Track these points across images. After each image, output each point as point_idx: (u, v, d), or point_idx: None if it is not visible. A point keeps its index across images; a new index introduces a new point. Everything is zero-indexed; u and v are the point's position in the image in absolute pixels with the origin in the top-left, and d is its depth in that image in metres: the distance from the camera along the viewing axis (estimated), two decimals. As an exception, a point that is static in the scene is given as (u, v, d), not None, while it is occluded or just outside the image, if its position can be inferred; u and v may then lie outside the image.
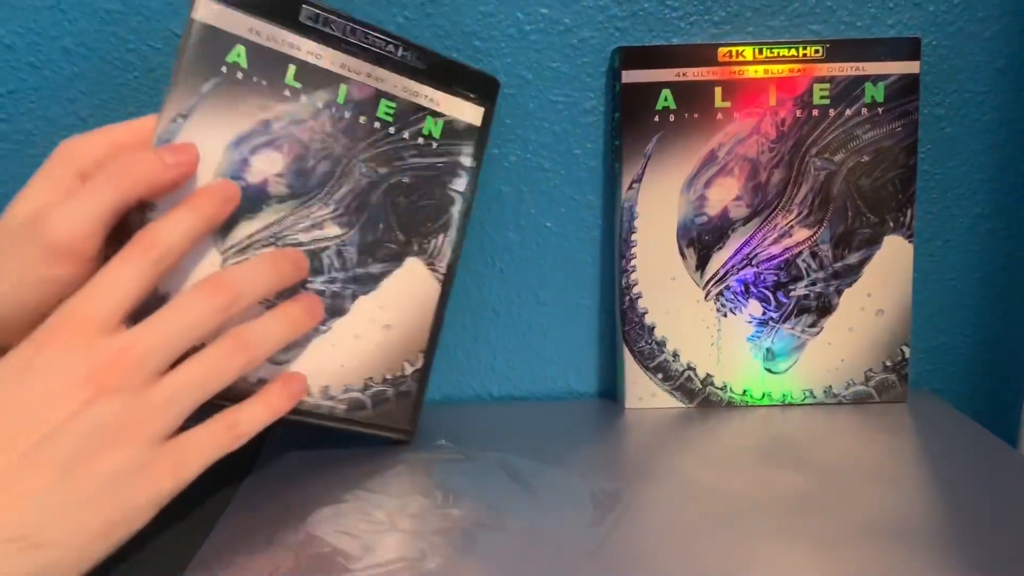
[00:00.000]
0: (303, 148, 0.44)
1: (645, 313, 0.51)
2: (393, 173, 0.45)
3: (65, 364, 0.35)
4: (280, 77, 0.43)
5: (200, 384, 0.38)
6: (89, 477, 0.34)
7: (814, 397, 0.52)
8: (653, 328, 0.52)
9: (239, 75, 0.42)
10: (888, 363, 0.52)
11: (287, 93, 0.43)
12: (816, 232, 0.51)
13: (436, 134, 0.46)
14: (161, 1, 0.49)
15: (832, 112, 0.50)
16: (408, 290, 0.46)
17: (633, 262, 0.51)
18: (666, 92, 0.50)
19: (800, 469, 0.44)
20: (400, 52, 0.45)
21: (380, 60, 0.45)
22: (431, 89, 0.46)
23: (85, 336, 0.36)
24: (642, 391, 0.52)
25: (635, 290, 0.51)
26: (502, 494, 0.42)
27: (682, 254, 0.51)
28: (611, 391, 0.55)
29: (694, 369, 0.52)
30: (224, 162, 0.42)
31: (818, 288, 0.51)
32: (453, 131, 0.46)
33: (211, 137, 0.42)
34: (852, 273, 0.51)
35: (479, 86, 0.47)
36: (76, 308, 0.37)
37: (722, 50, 0.49)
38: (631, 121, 0.50)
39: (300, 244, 0.44)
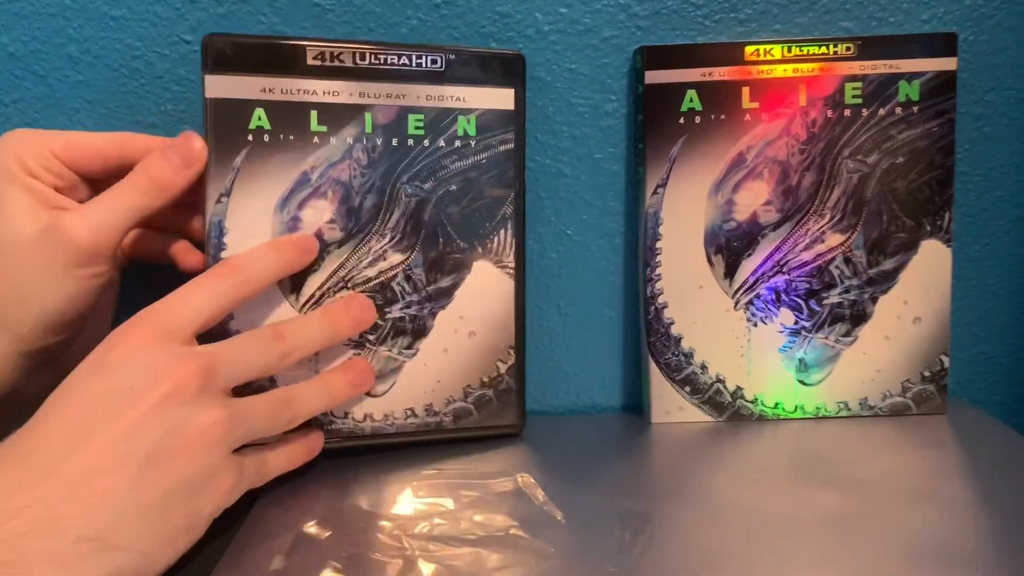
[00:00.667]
0: (346, 188, 0.44)
1: (671, 323, 0.49)
2: (439, 185, 0.45)
3: (141, 360, 0.35)
4: (305, 126, 0.44)
5: (265, 418, 0.39)
6: (164, 479, 0.34)
7: (849, 410, 0.50)
8: (680, 339, 0.50)
9: (266, 138, 0.43)
10: (926, 373, 0.50)
11: (316, 140, 0.44)
12: (850, 237, 0.49)
13: (472, 131, 0.45)
14: (168, 6, 0.47)
15: (865, 112, 0.48)
16: (483, 293, 0.47)
17: (658, 270, 0.49)
18: (691, 93, 0.48)
19: (838, 487, 0.42)
20: (414, 61, 0.44)
21: (396, 76, 0.44)
22: (455, 88, 0.45)
23: (160, 340, 0.36)
24: (669, 405, 0.50)
25: (660, 300, 0.49)
26: (523, 515, 0.40)
27: (710, 261, 0.49)
28: (636, 405, 0.53)
29: (723, 381, 0.50)
30: (275, 225, 0.44)
31: (852, 296, 0.49)
32: (488, 123, 0.46)
33: (256, 206, 0.43)
34: (888, 280, 0.49)
35: (503, 68, 0.46)
36: (153, 313, 0.37)
37: (749, 49, 0.47)
38: (655, 123, 0.48)
39: (368, 280, 0.45)
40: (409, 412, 0.47)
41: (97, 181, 0.43)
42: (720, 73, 0.48)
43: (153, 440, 0.34)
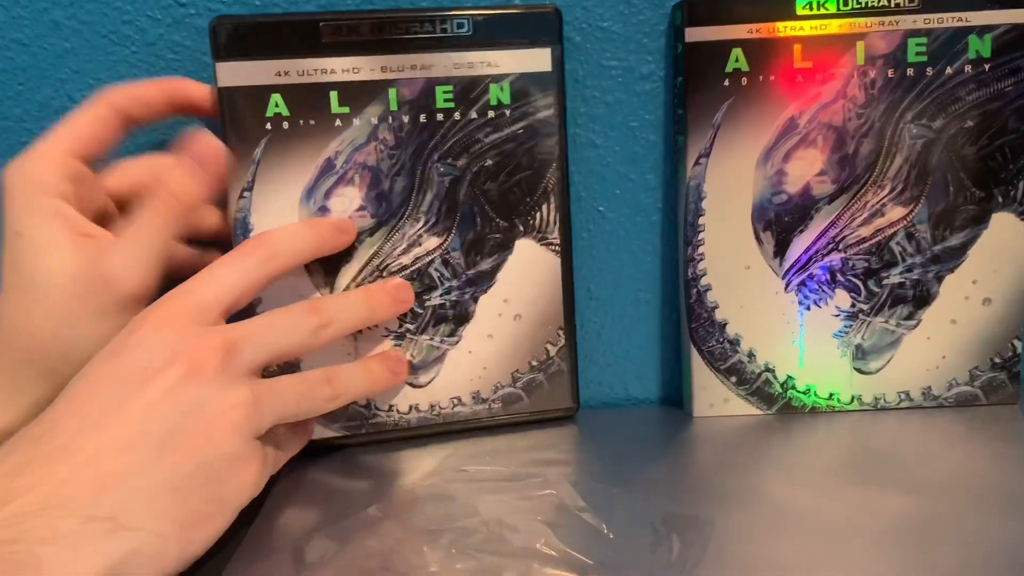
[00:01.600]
0: (373, 172, 0.42)
1: (715, 308, 0.45)
2: (473, 161, 0.43)
3: (159, 340, 0.35)
4: (326, 109, 0.41)
5: (295, 400, 0.37)
6: (183, 460, 0.33)
7: (911, 400, 0.46)
8: (725, 325, 0.45)
9: (285, 125, 0.41)
10: (997, 360, 0.45)
11: (338, 123, 0.42)
12: (912, 210, 0.44)
13: (506, 100, 0.42)
14: (159, -35, 0.44)
15: (930, 71, 0.43)
16: (527, 273, 0.44)
17: (701, 249, 0.45)
18: (737, 52, 0.43)
19: (905, 488, 0.38)
20: (438, 27, 0.41)
21: (420, 45, 0.41)
22: (485, 52, 0.42)
23: (180, 320, 0.35)
24: (713, 397, 0.46)
25: (703, 282, 0.45)
26: (557, 521, 0.36)
27: (758, 239, 0.45)
28: (676, 397, 0.49)
29: (773, 371, 0.46)
30: (302, 217, 0.42)
31: (915, 275, 0.45)
32: (523, 88, 0.43)
33: (281, 199, 0.42)
34: (954, 257, 0.45)
35: (536, 25, 0.42)
36: (177, 295, 0.37)
37: (801, 2, 0.43)
38: (697, 86, 0.43)
39: (404, 267, 0.43)
40: (456, 400, 0.45)
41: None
42: (769, 29, 0.43)
43: (169, 421, 0.33)
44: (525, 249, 0.44)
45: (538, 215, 0.44)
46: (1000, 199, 0.44)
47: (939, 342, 0.45)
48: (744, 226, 0.45)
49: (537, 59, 0.42)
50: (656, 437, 0.45)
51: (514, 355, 0.45)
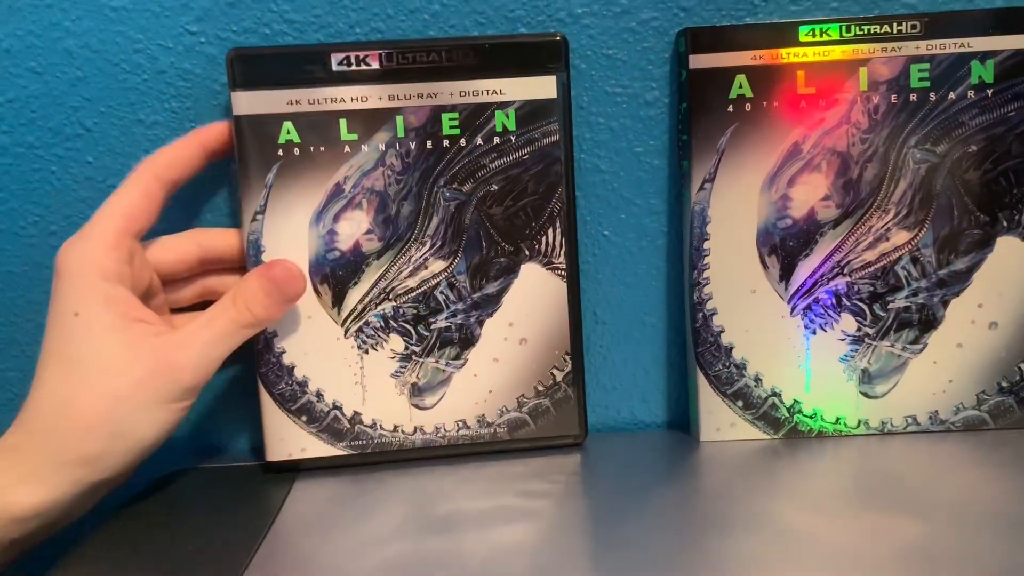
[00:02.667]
0: (381, 196, 0.43)
1: (721, 332, 0.45)
2: (479, 186, 0.44)
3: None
4: (335, 136, 0.43)
5: None
6: None
7: (918, 424, 0.46)
8: (731, 349, 0.45)
9: (296, 152, 0.43)
10: (1004, 384, 0.45)
11: (347, 149, 0.43)
12: (917, 235, 0.44)
13: (511, 126, 0.43)
14: (171, -6, 0.44)
15: (933, 96, 0.43)
16: (532, 298, 0.45)
17: (706, 273, 0.45)
18: (741, 78, 0.43)
19: (914, 513, 0.37)
20: (444, 56, 0.42)
21: (427, 73, 0.42)
22: (490, 80, 0.42)
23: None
24: (719, 421, 0.46)
25: (709, 306, 0.45)
26: (559, 548, 0.36)
27: (763, 263, 0.45)
28: (682, 421, 0.49)
29: (779, 395, 0.46)
30: (311, 240, 0.43)
31: (921, 299, 0.45)
32: (529, 115, 0.43)
33: (291, 222, 0.43)
34: (960, 281, 0.45)
35: (542, 53, 0.43)
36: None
37: (804, 29, 0.43)
38: (701, 112, 0.44)
39: (410, 290, 0.44)
40: (460, 424, 0.45)
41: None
42: (772, 56, 0.43)
43: None
44: (531, 273, 0.44)
45: (544, 240, 0.44)
46: (1005, 223, 0.44)
47: (946, 366, 0.45)
48: (749, 250, 0.45)
49: (543, 86, 0.43)
50: (662, 461, 0.45)
51: (520, 380, 0.45)
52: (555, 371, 0.45)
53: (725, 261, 0.45)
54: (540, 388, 0.45)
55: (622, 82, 0.46)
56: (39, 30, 0.45)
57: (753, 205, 0.44)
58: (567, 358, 0.45)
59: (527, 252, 0.44)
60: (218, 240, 0.43)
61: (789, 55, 0.43)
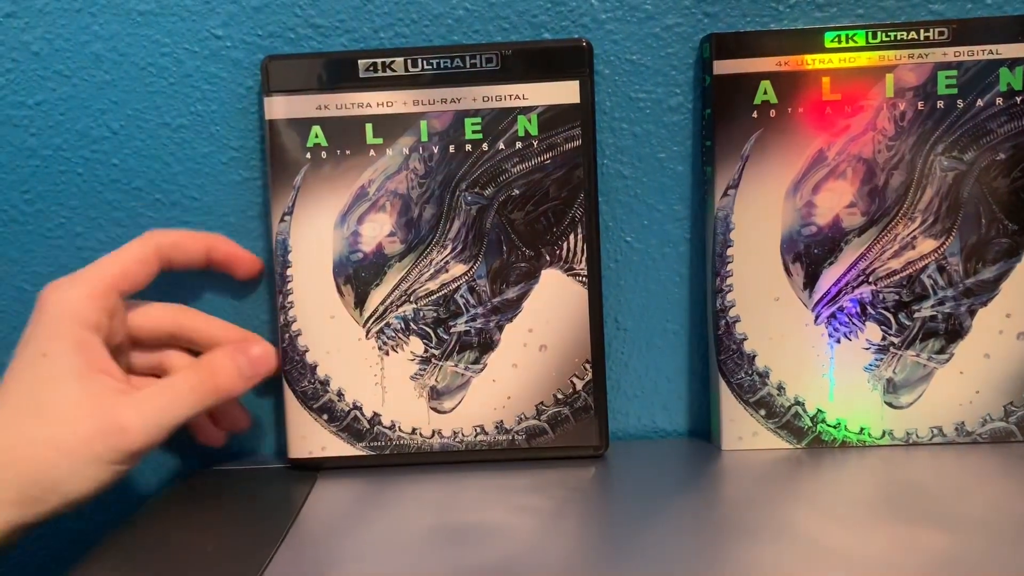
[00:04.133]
0: (404, 200, 0.44)
1: (744, 339, 0.45)
2: (500, 191, 0.44)
3: None
4: (361, 140, 0.43)
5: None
6: None
7: (944, 436, 0.45)
8: (754, 357, 0.45)
9: (323, 155, 0.44)
10: (1032, 395, 0.45)
11: (372, 152, 0.44)
12: (944, 243, 0.44)
13: (533, 131, 0.43)
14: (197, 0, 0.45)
15: (960, 103, 0.43)
16: (553, 304, 0.44)
17: (729, 280, 0.44)
18: (765, 84, 0.43)
19: (942, 525, 0.37)
20: (468, 62, 0.42)
21: (450, 79, 0.43)
22: (513, 86, 0.43)
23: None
24: (742, 430, 0.45)
25: (732, 313, 0.45)
26: (577, 556, 0.35)
27: (787, 270, 0.44)
28: (704, 430, 0.48)
29: (802, 404, 0.45)
30: (336, 242, 0.44)
31: (947, 308, 0.44)
32: (551, 120, 0.43)
33: (317, 223, 0.44)
34: (987, 290, 0.44)
35: (565, 58, 0.43)
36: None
37: (830, 35, 0.43)
38: (725, 118, 0.44)
39: (431, 293, 0.44)
40: (478, 429, 0.45)
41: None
42: (797, 62, 0.43)
43: None
44: (551, 279, 0.44)
45: (565, 245, 0.44)
46: (1034, 232, 0.44)
47: (972, 376, 0.45)
48: (773, 257, 0.44)
49: (566, 91, 0.43)
50: (684, 470, 0.45)
51: (539, 386, 0.45)
52: (575, 379, 0.45)
53: (748, 268, 0.44)
54: (559, 396, 0.45)
55: (646, 87, 0.45)
56: (67, 34, 0.45)
57: (777, 212, 0.44)
58: (587, 367, 0.45)
59: (548, 257, 0.44)
60: (198, 324, 0.44)
61: (814, 61, 0.43)
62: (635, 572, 0.34)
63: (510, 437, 0.45)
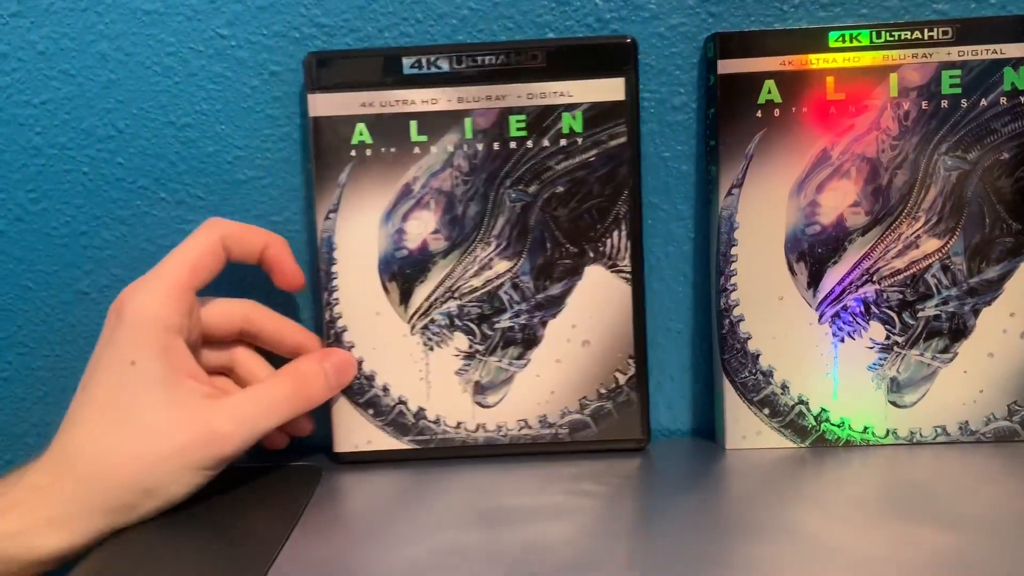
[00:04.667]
0: (448, 197, 0.44)
1: (748, 339, 0.45)
2: (544, 188, 0.44)
3: None
4: (405, 137, 0.44)
5: None
6: None
7: (947, 435, 0.45)
8: (758, 356, 0.45)
9: (368, 152, 0.44)
10: (1036, 395, 0.45)
11: (416, 150, 0.44)
12: (947, 242, 0.44)
13: (578, 128, 0.43)
14: (203, -1, 0.45)
15: (964, 103, 0.43)
16: (596, 300, 0.45)
17: (733, 280, 0.45)
18: (769, 84, 0.43)
19: (946, 524, 0.37)
20: (513, 59, 0.43)
21: (495, 76, 0.43)
22: (558, 83, 0.43)
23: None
24: (745, 429, 0.45)
25: (736, 312, 0.45)
26: (583, 554, 0.35)
27: (791, 270, 0.44)
28: (708, 429, 0.48)
29: (806, 403, 0.45)
30: (381, 239, 0.44)
31: (951, 307, 0.44)
32: (596, 117, 0.44)
33: (362, 221, 0.44)
34: (991, 289, 0.44)
35: (610, 55, 0.43)
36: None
37: (834, 34, 0.43)
38: (729, 117, 0.44)
39: (475, 289, 0.45)
40: (522, 423, 0.45)
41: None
42: (801, 62, 0.43)
43: None
44: (595, 275, 0.44)
45: (609, 242, 0.44)
46: (1038, 232, 0.44)
47: (976, 376, 0.45)
48: (777, 257, 0.44)
49: (611, 88, 0.43)
50: (687, 469, 0.45)
51: (582, 381, 0.45)
52: (618, 374, 0.45)
53: (752, 267, 0.44)
54: (603, 391, 0.45)
55: (650, 87, 0.46)
56: (73, 33, 0.45)
57: (781, 211, 0.44)
58: (631, 362, 0.45)
59: (591, 254, 0.44)
60: (267, 322, 0.44)
61: (818, 61, 0.43)
62: (639, 570, 0.34)
63: (553, 431, 0.45)
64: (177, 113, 0.46)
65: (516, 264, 0.44)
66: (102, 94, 0.46)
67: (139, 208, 0.47)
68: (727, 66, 0.43)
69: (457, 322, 0.45)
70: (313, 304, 0.47)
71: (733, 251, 0.44)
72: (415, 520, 0.39)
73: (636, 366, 0.45)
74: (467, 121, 0.43)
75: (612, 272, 0.44)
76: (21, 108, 0.46)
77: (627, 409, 0.45)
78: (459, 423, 0.45)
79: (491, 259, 0.44)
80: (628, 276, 0.44)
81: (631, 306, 0.45)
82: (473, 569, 0.35)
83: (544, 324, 0.45)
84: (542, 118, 0.43)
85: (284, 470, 0.45)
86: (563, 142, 0.44)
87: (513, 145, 0.44)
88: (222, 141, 0.46)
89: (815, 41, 0.43)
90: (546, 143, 0.44)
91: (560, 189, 0.44)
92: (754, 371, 0.45)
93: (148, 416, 0.38)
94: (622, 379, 0.45)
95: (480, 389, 0.45)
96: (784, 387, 0.45)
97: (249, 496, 0.42)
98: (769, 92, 0.43)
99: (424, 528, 0.38)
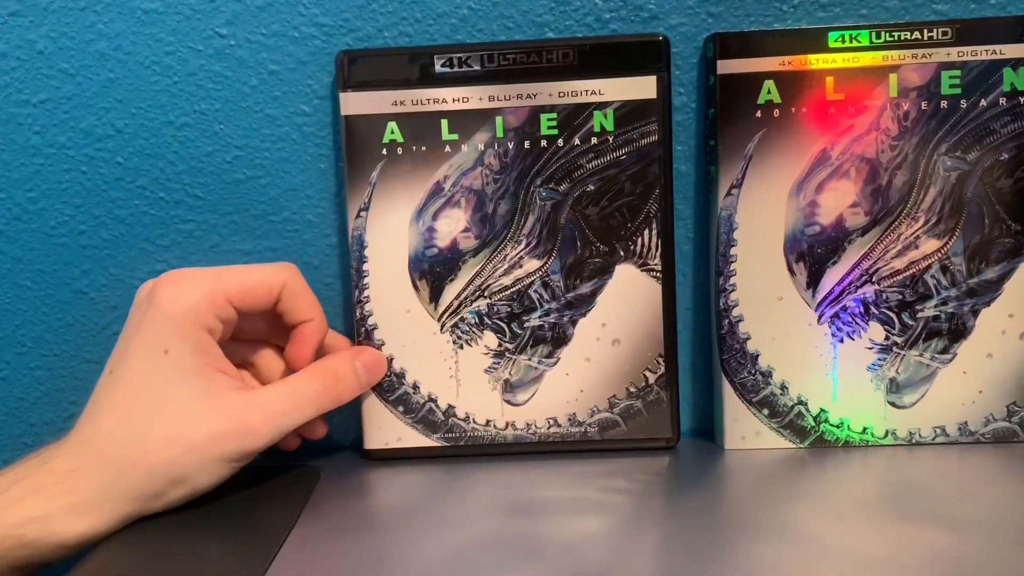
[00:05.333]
0: (479, 195, 0.44)
1: (747, 339, 0.45)
2: (575, 186, 0.44)
3: None
4: (436, 136, 0.44)
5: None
6: None
7: (947, 435, 0.45)
8: (757, 356, 0.45)
9: (399, 151, 0.44)
10: (1035, 395, 0.44)
11: (447, 149, 0.44)
12: (947, 243, 0.44)
13: (609, 126, 0.43)
14: (202, -2, 0.45)
15: (964, 103, 0.43)
16: (626, 299, 0.45)
17: (732, 280, 0.44)
18: (769, 84, 0.43)
19: (946, 525, 0.37)
20: (545, 57, 0.43)
21: (526, 74, 0.43)
22: (589, 81, 0.43)
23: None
24: (745, 429, 0.45)
25: (735, 312, 0.45)
26: (580, 558, 0.35)
27: (790, 270, 0.44)
28: (708, 429, 0.48)
29: (805, 404, 0.45)
30: (412, 236, 0.45)
31: (950, 308, 0.44)
32: (627, 115, 0.44)
33: (393, 219, 0.44)
34: (990, 290, 0.44)
35: (642, 53, 0.43)
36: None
37: (833, 35, 0.43)
38: (729, 118, 0.44)
39: (505, 288, 0.45)
40: (551, 421, 0.46)
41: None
42: (801, 62, 0.43)
43: None
44: (625, 274, 0.45)
45: (639, 241, 0.44)
46: (1037, 232, 0.44)
47: (975, 377, 0.45)
48: (776, 257, 0.44)
49: (642, 86, 0.43)
50: (686, 470, 0.45)
51: (611, 380, 0.45)
52: (648, 373, 0.45)
53: (752, 267, 0.44)
54: (632, 390, 0.45)
55: (649, 87, 0.45)
56: (72, 32, 0.45)
57: (780, 211, 0.44)
58: (660, 360, 0.45)
59: (622, 253, 0.44)
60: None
61: (818, 61, 0.43)
62: (637, 570, 0.34)
63: (583, 429, 0.45)
64: (176, 112, 0.46)
65: (546, 263, 0.44)
66: (101, 93, 0.46)
67: (138, 207, 0.47)
68: (727, 66, 0.43)
69: (487, 320, 0.45)
70: (344, 302, 0.47)
71: (732, 251, 0.44)
72: (442, 515, 0.39)
73: (666, 365, 0.45)
74: (498, 119, 0.44)
75: (642, 271, 0.44)
76: (20, 107, 0.46)
77: (657, 408, 0.45)
78: (488, 421, 0.45)
79: (521, 258, 0.44)
80: (659, 275, 0.44)
81: (661, 305, 0.45)
82: (494, 563, 0.35)
83: (574, 323, 0.45)
84: (573, 116, 0.43)
85: (285, 470, 0.45)
86: (594, 140, 0.44)
87: (544, 143, 0.44)
88: (221, 140, 0.46)
89: (815, 41, 0.43)
90: (577, 141, 0.44)
91: (591, 188, 0.44)
92: (753, 371, 0.45)
93: (182, 405, 0.38)
94: (652, 378, 0.45)
95: (509, 387, 0.45)
96: (783, 387, 0.45)
97: (252, 495, 0.42)
98: (769, 92, 0.43)
99: (450, 522, 0.38)
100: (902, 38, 0.43)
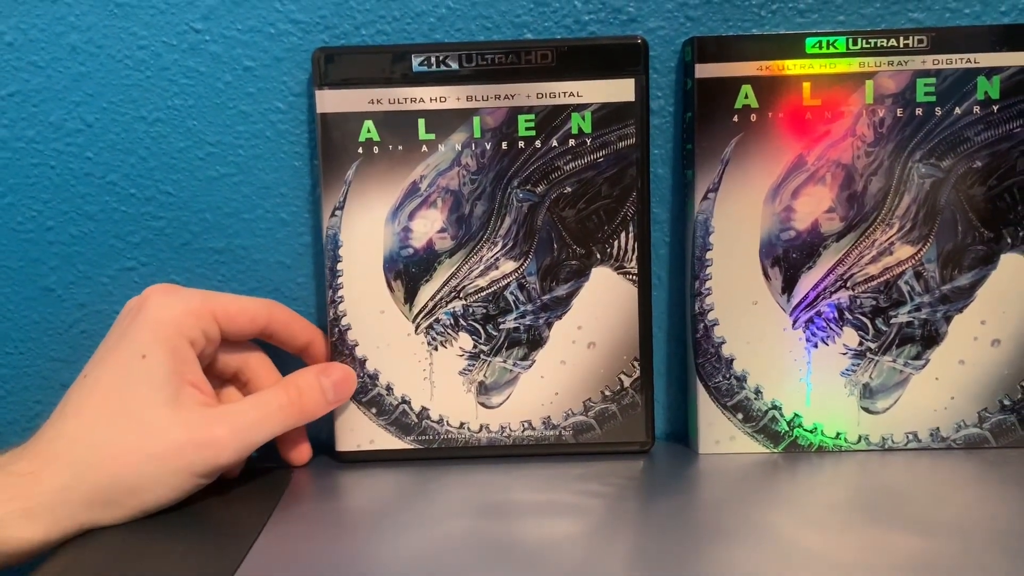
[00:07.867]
0: (455, 196, 0.44)
1: (722, 343, 0.45)
2: (552, 188, 0.44)
3: None
4: (413, 135, 0.43)
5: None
6: None
7: (919, 441, 0.45)
8: (732, 360, 0.45)
9: (375, 150, 0.43)
10: (1006, 402, 0.45)
11: (424, 148, 0.44)
12: (921, 249, 0.44)
13: (587, 128, 0.43)
14: (176, -8, 0.44)
15: (939, 111, 0.43)
16: (602, 302, 0.44)
17: (708, 284, 0.45)
18: (746, 88, 0.43)
19: (917, 529, 0.37)
20: (523, 58, 0.42)
21: (505, 75, 0.43)
22: (567, 83, 0.43)
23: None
24: (719, 434, 0.45)
25: (710, 316, 0.45)
26: (553, 561, 0.35)
27: (765, 275, 0.44)
28: (682, 433, 0.48)
29: (779, 408, 0.45)
30: (387, 236, 0.44)
31: (923, 314, 0.44)
32: (605, 118, 0.43)
33: (368, 218, 0.44)
34: (963, 297, 0.44)
35: (621, 56, 0.43)
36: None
37: (811, 40, 0.43)
38: (706, 122, 0.44)
39: (480, 289, 0.44)
40: (526, 424, 0.45)
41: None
42: (778, 67, 0.43)
43: None
44: (602, 277, 0.44)
45: (616, 244, 0.44)
46: (1009, 240, 0.44)
47: (947, 383, 0.45)
48: (752, 262, 0.44)
49: (621, 89, 0.43)
50: (660, 473, 0.44)
51: (586, 383, 0.45)
52: (623, 376, 0.45)
53: (727, 272, 0.44)
54: (607, 393, 0.45)
55: (627, 90, 0.45)
56: (43, 24, 0.44)
57: (756, 216, 0.44)
58: (636, 364, 0.45)
59: (599, 256, 0.44)
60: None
61: (795, 66, 0.43)
62: (610, 574, 0.34)
63: (557, 432, 0.45)
64: (148, 108, 0.45)
65: (522, 264, 0.44)
66: (71, 87, 0.45)
67: (108, 204, 0.46)
68: (704, 70, 0.43)
69: (462, 322, 0.45)
70: (318, 302, 0.47)
71: (708, 255, 0.44)
72: (412, 517, 0.39)
73: (641, 369, 0.45)
74: (476, 120, 0.43)
75: (619, 274, 0.44)
76: (-13, 100, 0.45)
77: (631, 412, 0.45)
78: (462, 423, 0.45)
79: (497, 259, 0.44)
80: (635, 278, 0.44)
81: (637, 309, 0.44)
82: (466, 566, 0.34)
83: (549, 325, 0.45)
84: (551, 118, 0.43)
85: (255, 472, 0.44)
86: (572, 142, 0.43)
87: (521, 144, 0.43)
88: (194, 137, 0.45)
89: (792, 47, 0.43)
90: (555, 143, 0.43)
91: (568, 190, 0.44)
92: (728, 376, 0.45)
93: (147, 412, 0.37)
94: (627, 382, 0.45)
95: (484, 389, 0.45)
96: (758, 392, 0.45)
97: (222, 497, 0.41)
98: (746, 97, 0.43)
99: (420, 524, 0.38)
100: (878, 45, 0.43)
